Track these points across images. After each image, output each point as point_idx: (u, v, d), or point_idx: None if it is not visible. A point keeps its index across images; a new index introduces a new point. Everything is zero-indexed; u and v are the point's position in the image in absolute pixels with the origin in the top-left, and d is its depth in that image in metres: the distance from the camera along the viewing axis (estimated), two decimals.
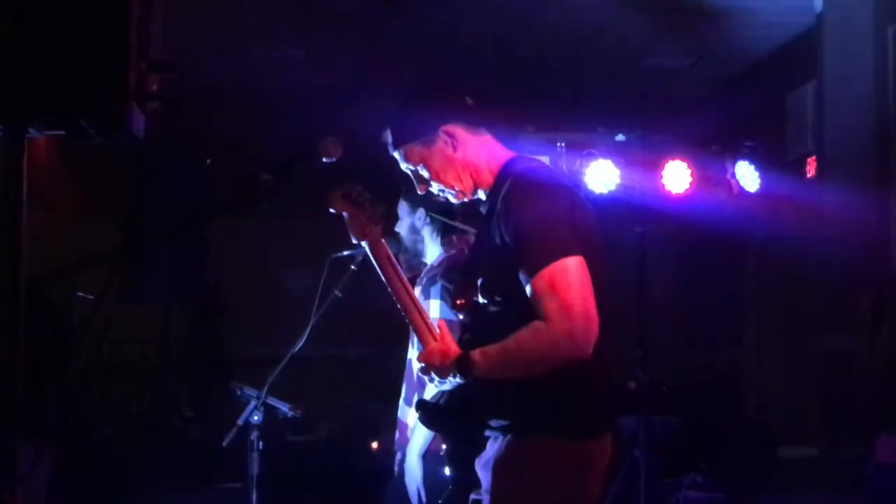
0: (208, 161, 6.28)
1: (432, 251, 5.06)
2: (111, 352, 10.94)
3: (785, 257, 9.71)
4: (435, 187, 3.62)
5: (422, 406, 3.56)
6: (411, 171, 3.63)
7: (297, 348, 5.06)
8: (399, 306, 3.60)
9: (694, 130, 9.70)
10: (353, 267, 5.10)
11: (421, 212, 5.03)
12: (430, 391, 3.70)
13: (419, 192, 3.69)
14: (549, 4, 9.15)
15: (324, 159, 3.51)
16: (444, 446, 3.70)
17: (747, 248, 10.82)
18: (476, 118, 3.61)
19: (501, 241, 3.35)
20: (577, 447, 3.36)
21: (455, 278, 4.85)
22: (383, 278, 3.67)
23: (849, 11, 8.64)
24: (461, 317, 3.61)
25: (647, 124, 8.40)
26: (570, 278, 3.23)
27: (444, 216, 5.03)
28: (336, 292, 5.07)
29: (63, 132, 3.12)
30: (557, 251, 3.25)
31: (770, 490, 7.91)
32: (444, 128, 3.56)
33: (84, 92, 3.01)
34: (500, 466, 3.39)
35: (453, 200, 3.65)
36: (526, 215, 3.30)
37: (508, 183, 3.43)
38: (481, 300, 3.43)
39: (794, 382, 9.67)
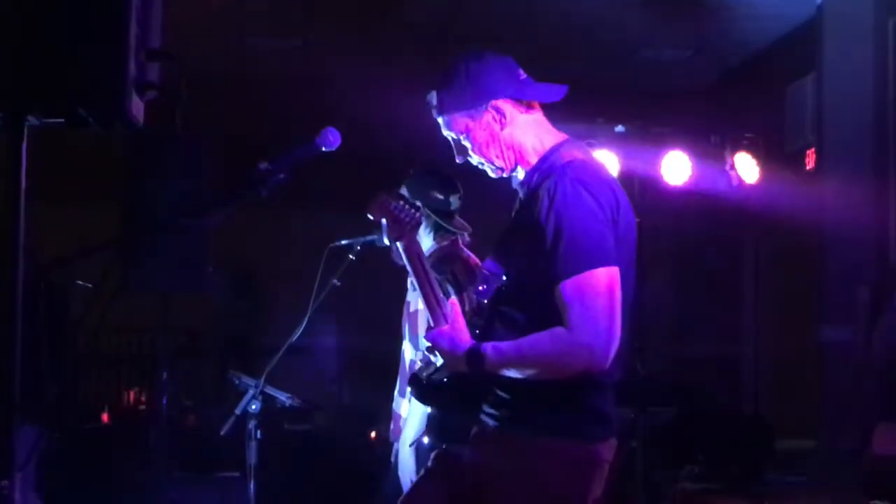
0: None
1: (426, 243, 5.07)
2: (109, 340, 10.96)
3: (784, 249, 9.72)
4: (475, 159, 3.50)
5: (414, 381, 3.51)
6: (453, 139, 3.51)
7: (295, 337, 5.07)
8: (423, 302, 3.54)
9: (693, 122, 9.71)
10: (351, 256, 5.11)
11: (419, 205, 5.04)
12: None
13: (457, 160, 3.56)
14: None
15: (323, 149, 3.50)
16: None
17: (746, 239, 10.82)
18: (527, 94, 3.46)
19: (535, 231, 3.22)
20: (580, 448, 3.30)
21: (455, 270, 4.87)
22: (412, 274, 3.63)
23: (849, 3, 8.62)
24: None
25: (646, 115, 8.41)
26: (600, 290, 3.13)
27: (440, 216, 5.04)
28: (334, 281, 5.07)
29: (62, 120, 3.12)
30: (594, 259, 3.14)
31: (767, 481, 7.92)
32: (494, 102, 3.41)
33: (83, 80, 3.01)
34: (492, 457, 3.32)
35: (492, 174, 3.52)
36: (569, 213, 3.17)
37: (556, 173, 3.27)
38: (504, 287, 3.34)
39: (792, 374, 9.67)
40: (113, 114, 3.08)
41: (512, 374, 3.23)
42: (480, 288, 3.41)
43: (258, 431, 5.14)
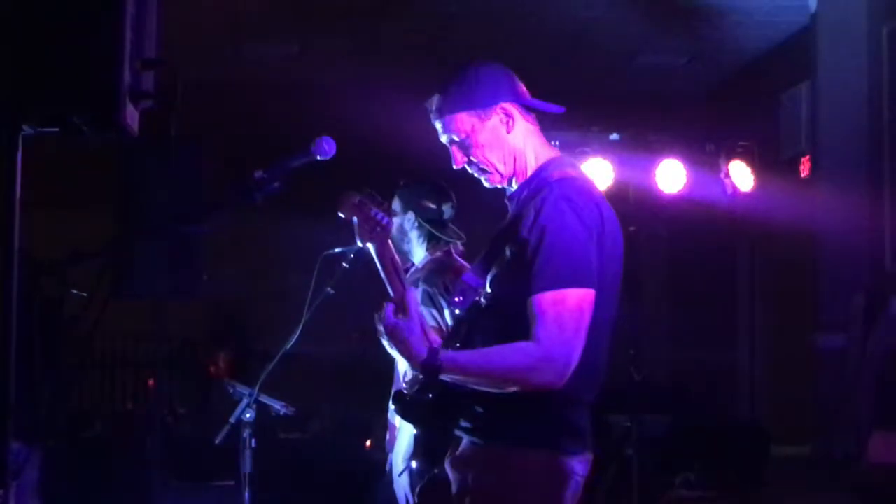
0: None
1: (418, 253, 5.08)
2: (104, 348, 10.95)
3: (778, 256, 9.73)
4: (473, 165, 3.44)
5: (397, 398, 3.48)
6: (455, 142, 3.43)
7: (289, 345, 5.06)
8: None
9: (688, 130, 9.72)
10: (344, 264, 5.11)
11: (411, 215, 5.04)
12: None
13: (454, 167, 3.49)
14: (543, 2, 9.16)
15: (318, 157, 3.49)
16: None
17: (741, 246, 10.84)
18: (532, 102, 3.44)
19: (518, 244, 3.22)
20: (553, 460, 3.26)
21: (446, 282, 4.87)
22: (385, 279, 3.62)
23: (843, 11, 8.64)
24: (448, 318, 3.54)
25: (641, 124, 8.41)
26: (571, 308, 3.13)
27: (433, 225, 5.04)
28: (328, 289, 5.06)
29: (57, 129, 3.11)
30: (570, 279, 3.14)
31: (762, 489, 7.92)
32: (503, 104, 3.39)
33: (78, 89, 3.01)
34: (471, 470, 3.28)
35: (486, 183, 3.47)
36: (551, 230, 3.16)
37: (545, 189, 3.27)
38: (484, 299, 3.31)
39: (787, 381, 9.68)
40: (107, 123, 3.08)
41: (472, 383, 3.19)
42: (457, 299, 3.40)
43: (253, 440, 5.13)
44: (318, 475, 8.48)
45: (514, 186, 3.44)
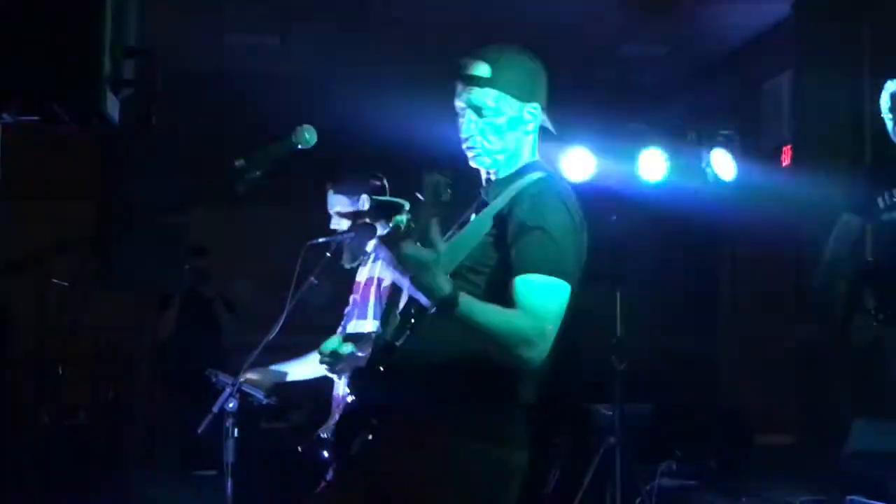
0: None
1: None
2: (87, 338, 10.92)
3: (760, 245, 9.75)
4: (476, 139, 3.44)
5: (358, 374, 3.46)
6: (478, 110, 3.42)
7: (272, 335, 5.06)
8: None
9: (670, 119, 9.72)
10: (328, 254, 5.11)
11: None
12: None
13: (461, 134, 3.47)
14: None
15: (299, 146, 3.49)
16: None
17: (723, 236, 10.86)
18: (546, 117, 3.52)
19: (505, 231, 3.27)
20: (509, 454, 3.30)
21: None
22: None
23: (825, 0, 8.66)
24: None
25: (623, 112, 8.42)
26: (556, 296, 3.20)
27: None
28: (312, 279, 5.06)
29: (37, 118, 3.10)
30: (560, 272, 3.21)
31: (745, 477, 7.95)
32: (537, 103, 3.46)
33: (58, 77, 3.00)
34: (405, 454, 3.27)
35: (474, 162, 3.48)
36: (548, 222, 3.24)
37: (541, 182, 3.35)
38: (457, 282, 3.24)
39: (770, 370, 9.70)
40: (88, 111, 3.07)
41: (474, 324, 3.13)
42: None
43: (235, 430, 5.13)
44: (300, 465, 8.48)
45: (494, 177, 3.49)
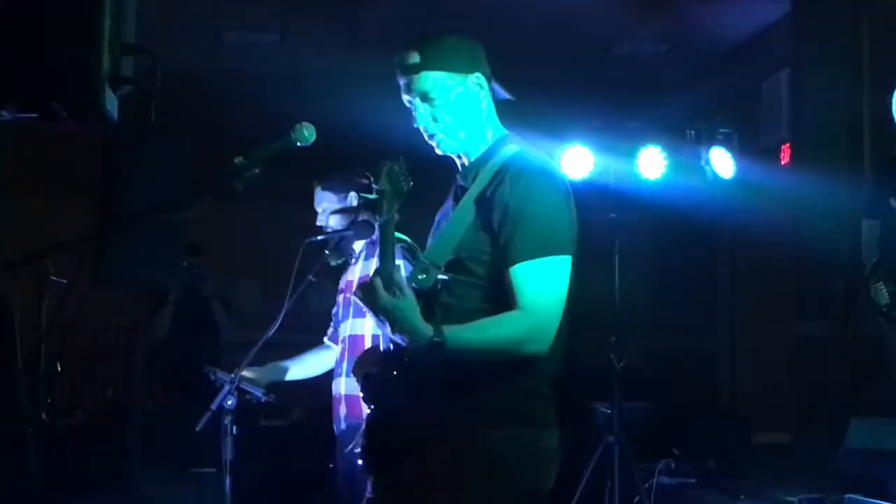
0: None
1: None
2: (85, 337, 10.91)
3: (759, 243, 9.75)
4: (433, 126, 3.43)
5: (370, 381, 3.41)
6: (424, 99, 3.42)
7: (270, 333, 5.05)
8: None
9: (669, 117, 9.73)
10: (326, 252, 5.11)
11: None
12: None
13: (414, 125, 3.46)
14: None
15: (298, 143, 3.48)
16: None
17: (721, 234, 10.85)
18: (498, 80, 3.50)
19: (491, 216, 3.24)
20: (539, 438, 3.28)
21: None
22: (380, 253, 3.52)
23: None
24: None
25: (622, 110, 8.42)
26: (556, 276, 3.18)
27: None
28: (310, 277, 5.06)
29: (36, 115, 3.10)
30: (555, 246, 3.19)
31: (743, 476, 7.94)
32: (479, 73, 3.44)
33: (56, 75, 3.00)
34: (456, 457, 3.20)
35: (438, 149, 3.47)
36: (533, 200, 3.21)
37: (518, 160, 3.31)
38: (445, 269, 3.27)
39: (768, 368, 9.70)
40: (87, 108, 3.07)
41: (470, 358, 3.15)
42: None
43: (234, 427, 5.12)
44: (298, 462, 8.48)
45: (467, 160, 3.46)
